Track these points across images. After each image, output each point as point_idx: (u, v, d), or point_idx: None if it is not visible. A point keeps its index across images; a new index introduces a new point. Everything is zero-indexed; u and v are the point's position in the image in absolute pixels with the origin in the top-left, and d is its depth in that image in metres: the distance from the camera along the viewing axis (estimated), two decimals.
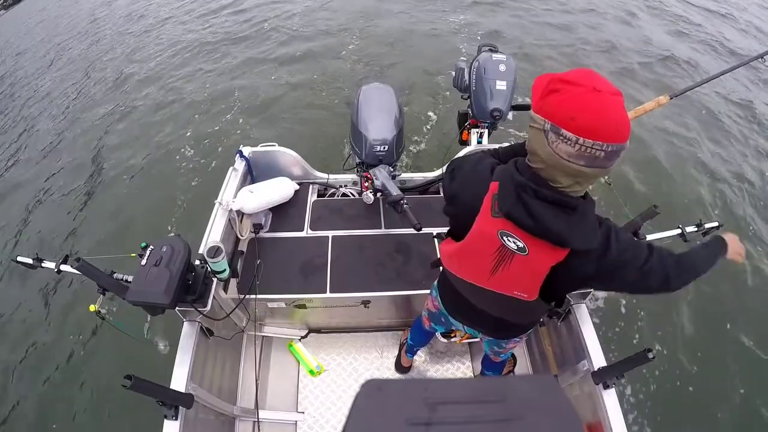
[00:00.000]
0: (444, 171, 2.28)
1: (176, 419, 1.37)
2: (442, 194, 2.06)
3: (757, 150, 4.11)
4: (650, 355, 1.28)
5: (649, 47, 5.80)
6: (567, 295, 1.48)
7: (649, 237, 1.58)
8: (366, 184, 2.11)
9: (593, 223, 0.88)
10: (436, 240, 1.40)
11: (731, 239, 1.16)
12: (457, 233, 1.06)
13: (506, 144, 1.26)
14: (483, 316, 1.22)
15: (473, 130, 2.62)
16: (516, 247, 0.90)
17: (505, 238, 0.90)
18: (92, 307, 1.30)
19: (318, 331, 2.27)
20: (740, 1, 7.11)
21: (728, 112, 4.62)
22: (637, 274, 0.93)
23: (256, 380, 1.95)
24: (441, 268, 1.33)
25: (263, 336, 2.22)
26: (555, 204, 0.82)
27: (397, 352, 2.19)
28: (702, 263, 1.08)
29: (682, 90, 1.79)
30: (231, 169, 2.16)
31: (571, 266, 0.90)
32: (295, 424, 1.99)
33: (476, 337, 1.48)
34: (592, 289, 1.47)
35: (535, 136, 0.82)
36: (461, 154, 2.35)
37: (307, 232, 2.10)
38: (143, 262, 1.37)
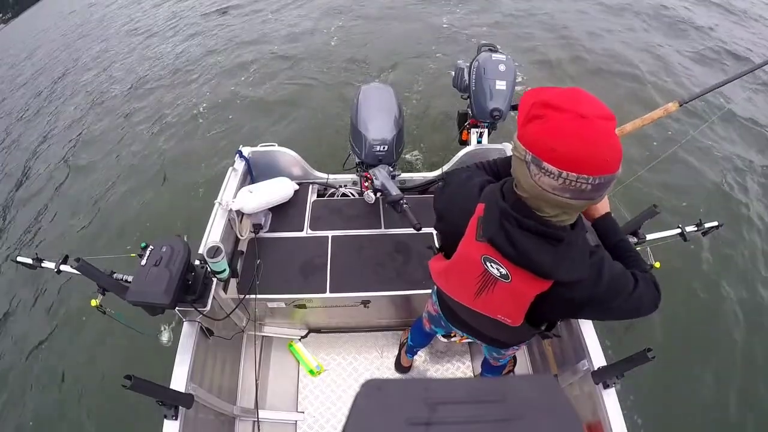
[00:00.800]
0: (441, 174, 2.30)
1: (176, 419, 1.37)
2: None
3: (758, 149, 4.12)
4: (650, 355, 1.28)
5: (653, 50, 5.76)
6: None
7: (649, 237, 1.58)
8: (366, 184, 2.11)
9: (582, 253, 0.82)
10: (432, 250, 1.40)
11: None
12: (447, 250, 1.03)
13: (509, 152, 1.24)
14: (477, 330, 1.23)
15: (473, 130, 2.62)
16: (499, 274, 0.86)
17: (488, 263, 0.86)
18: (94, 302, 1.30)
19: (318, 331, 2.27)
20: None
21: (731, 112, 4.62)
22: (631, 302, 0.90)
23: (256, 380, 1.95)
24: None
25: (263, 336, 2.23)
26: (539, 235, 0.77)
27: (396, 352, 2.19)
28: None
29: (693, 96, 1.64)
30: (230, 169, 2.16)
31: (558, 295, 0.85)
32: (295, 424, 1.99)
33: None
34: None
35: (518, 165, 0.76)
36: (461, 154, 2.35)
37: (306, 232, 2.10)
38: (143, 262, 1.37)
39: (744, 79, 3.32)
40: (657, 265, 1.46)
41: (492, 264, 0.86)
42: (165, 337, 1.44)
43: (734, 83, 1.76)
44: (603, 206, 1.07)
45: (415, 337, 1.93)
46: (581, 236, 0.83)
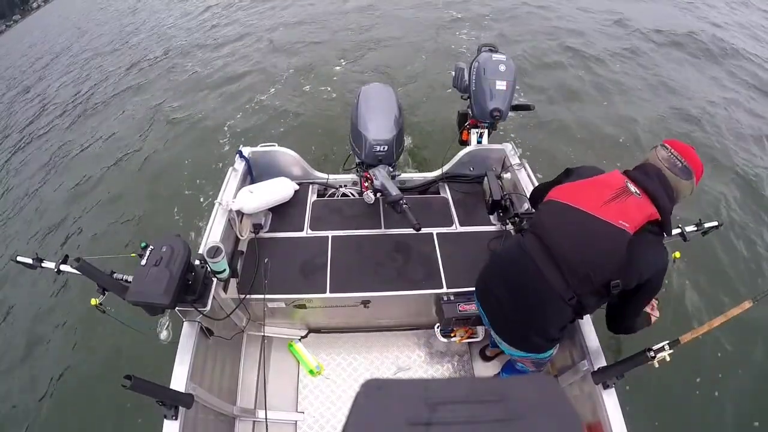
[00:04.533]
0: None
1: (176, 419, 1.37)
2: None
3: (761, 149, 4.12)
4: (650, 354, 1.28)
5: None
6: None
7: None
8: (366, 184, 2.11)
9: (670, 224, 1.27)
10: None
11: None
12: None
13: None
14: (520, 296, 1.36)
15: (473, 131, 2.62)
16: (634, 191, 1.24)
17: (629, 184, 1.26)
18: (93, 301, 1.30)
19: (318, 331, 2.26)
20: None
21: (734, 113, 4.61)
22: (648, 300, 1.32)
23: (257, 380, 1.95)
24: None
25: (263, 336, 2.22)
26: (663, 182, 1.25)
27: (396, 352, 2.19)
28: None
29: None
30: (231, 169, 2.16)
31: (649, 239, 1.22)
32: (295, 424, 1.99)
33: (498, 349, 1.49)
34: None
35: (651, 153, 1.34)
36: (461, 154, 2.36)
37: (306, 232, 2.10)
38: (143, 262, 1.37)
39: None
40: (677, 255, 1.57)
41: (630, 185, 1.27)
42: (164, 335, 1.44)
43: None
44: None
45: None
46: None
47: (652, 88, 5.06)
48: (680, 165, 1.23)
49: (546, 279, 1.28)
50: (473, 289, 1.58)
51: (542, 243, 1.32)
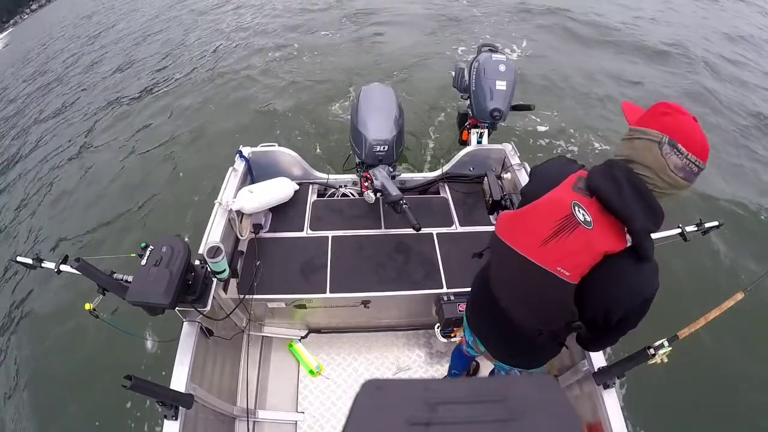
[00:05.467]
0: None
1: (176, 419, 1.36)
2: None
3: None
4: (650, 352, 1.28)
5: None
6: None
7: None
8: (366, 184, 2.11)
9: (653, 245, 0.91)
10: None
11: None
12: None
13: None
14: (496, 328, 1.24)
15: (473, 130, 2.62)
16: (583, 219, 0.93)
17: (576, 208, 0.94)
18: (87, 306, 1.29)
19: (318, 331, 2.26)
20: None
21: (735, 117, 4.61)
22: (631, 327, 1.00)
23: (257, 380, 1.95)
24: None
25: (263, 336, 2.22)
26: (642, 195, 0.89)
27: (396, 352, 2.19)
28: None
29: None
30: (231, 169, 2.16)
31: (615, 269, 0.92)
32: (295, 424, 1.99)
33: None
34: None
35: (644, 146, 0.90)
36: (461, 154, 2.36)
37: (307, 232, 2.10)
38: (143, 262, 1.37)
39: None
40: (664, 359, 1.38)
41: (579, 209, 0.94)
42: (150, 344, 1.43)
43: None
44: None
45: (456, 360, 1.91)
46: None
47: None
48: (697, 171, 0.86)
49: (513, 322, 1.16)
50: None
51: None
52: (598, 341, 1.10)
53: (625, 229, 0.90)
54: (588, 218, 0.92)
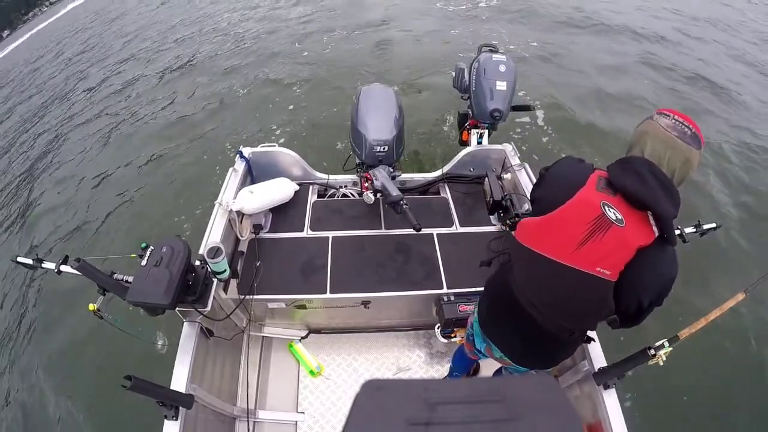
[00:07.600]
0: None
1: (176, 419, 1.37)
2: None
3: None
4: (651, 353, 1.28)
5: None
6: None
7: None
8: (366, 184, 2.11)
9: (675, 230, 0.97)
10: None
11: None
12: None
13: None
14: (519, 333, 1.24)
15: (473, 131, 2.62)
16: (614, 218, 0.95)
17: (606, 207, 0.96)
18: (91, 306, 1.30)
19: (318, 331, 2.26)
20: None
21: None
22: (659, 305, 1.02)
23: (257, 381, 1.95)
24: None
25: (263, 336, 2.22)
26: (664, 184, 0.93)
27: (396, 353, 2.19)
28: None
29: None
30: (231, 169, 2.16)
31: (648, 259, 0.95)
32: (295, 424, 1.99)
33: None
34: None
35: (641, 129, 1.01)
36: (461, 154, 2.36)
37: (307, 233, 2.10)
38: (143, 262, 1.37)
39: None
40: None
41: (609, 208, 0.96)
42: (160, 343, 1.44)
43: None
44: None
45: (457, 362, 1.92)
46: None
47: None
48: (689, 132, 0.94)
49: (539, 324, 1.17)
50: (473, 289, 1.57)
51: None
52: (629, 324, 1.12)
53: (651, 218, 0.94)
54: (619, 216, 0.95)
